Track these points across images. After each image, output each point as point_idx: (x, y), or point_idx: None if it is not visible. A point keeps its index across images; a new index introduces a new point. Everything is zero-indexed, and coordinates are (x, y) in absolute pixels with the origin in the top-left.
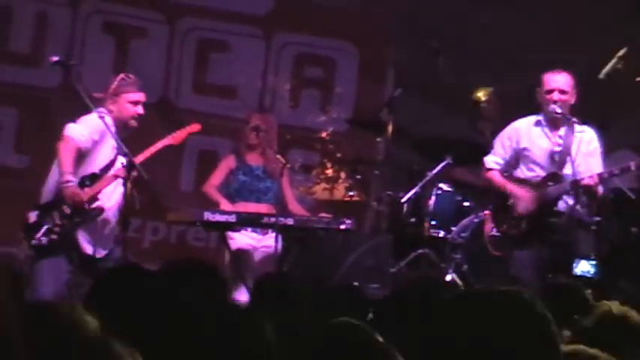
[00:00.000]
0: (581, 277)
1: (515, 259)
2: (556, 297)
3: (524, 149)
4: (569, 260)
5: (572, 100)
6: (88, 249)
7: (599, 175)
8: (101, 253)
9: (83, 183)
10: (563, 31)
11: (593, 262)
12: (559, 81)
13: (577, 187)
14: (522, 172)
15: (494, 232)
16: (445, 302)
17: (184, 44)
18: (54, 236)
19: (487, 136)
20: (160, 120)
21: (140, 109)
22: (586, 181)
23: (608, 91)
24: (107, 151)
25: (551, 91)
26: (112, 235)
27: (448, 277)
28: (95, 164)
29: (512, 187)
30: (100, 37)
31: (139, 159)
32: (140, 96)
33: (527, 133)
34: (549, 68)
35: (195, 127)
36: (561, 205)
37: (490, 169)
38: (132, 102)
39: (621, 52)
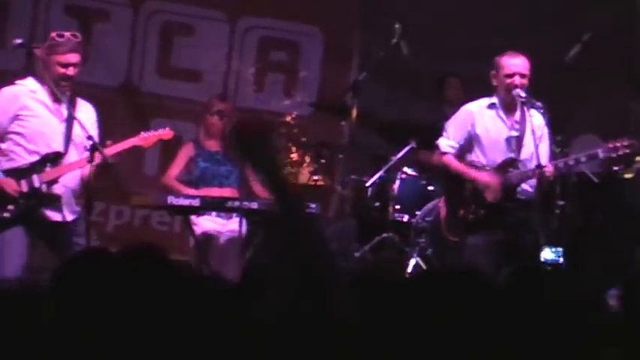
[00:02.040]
0: (546, 264)
1: (468, 244)
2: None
3: (479, 134)
4: (531, 246)
5: (527, 83)
6: (56, 216)
7: (555, 164)
8: (69, 217)
9: (44, 162)
10: (525, 17)
11: (559, 250)
12: (519, 65)
13: (540, 172)
14: (477, 156)
15: (451, 217)
16: (410, 280)
17: (148, 28)
18: (6, 214)
19: None
20: (124, 104)
21: (70, 71)
22: (549, 169)
23: (571, 76)
24: (43, 116)
25: (511, 75)
26: (76, 201)
27: (412, 261)
28: (33, 133)
29: (476, 174)
30: (63, 19)
31: (109, 153)
32: (70, 57)
33: (481, 117)
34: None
35: (167, 134)
36: (519, 190)
37: (445, 153)
38: (61, 64)
39: (585, 38)
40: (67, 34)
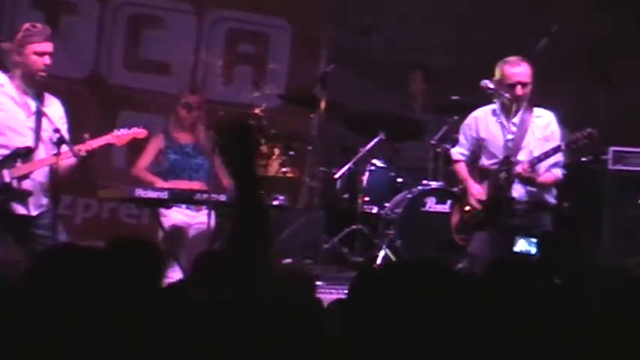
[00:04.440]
0: (521, 254)
1: (474, 237)
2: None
3: (483, 139)
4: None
5: (531, 88)
6: (21, 209)
7: (529, 161)
8: (34, 212)
9: (15, 157)
10: (493, 9)
11: (534, 240)
12: (520, 73)
13: (515, 175)
14: (483, 160)
15: (458, 222)
16: (376, 272)
17: (116, 20)
18: None
19: (417, 113)
20: (92, 96)
21: (47, 60)
22: (517, 169)
23: (540, 68)
24: (11, 110)
25: (513, 86)
26: (43, 194)
27: (382, 253)
28: (5, 128)
29: (470, 185)
30: (30, 12)
31: (80, 151)
32: (46, 46)
33: (484, 123)
34: (481, 46)
35: (141, 134)
36: (522, 192)
37: (457, 161)
38: (37, 53)
39: (553, 30)
40: (40, 25)
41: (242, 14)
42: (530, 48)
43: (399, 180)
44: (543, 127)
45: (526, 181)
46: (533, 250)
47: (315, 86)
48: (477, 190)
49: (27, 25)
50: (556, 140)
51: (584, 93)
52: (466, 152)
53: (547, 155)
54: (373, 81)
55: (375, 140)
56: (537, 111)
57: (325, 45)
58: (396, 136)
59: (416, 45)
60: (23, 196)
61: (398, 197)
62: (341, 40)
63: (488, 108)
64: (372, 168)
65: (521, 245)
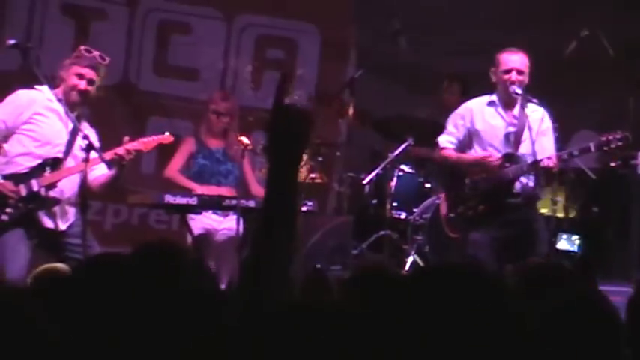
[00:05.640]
0: (564, 252)
1: (471, 239)
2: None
3: (479, 130)
4: (531, 239)
5: (527, 80)
6: (49, 223)
7: (559, 156)
8: (63, 226)
9: (44, 167)
10: (523, 12)
11: (578, 238)
12: (516, 61)
13: (536, 168)
14: (477, 152)
15: (450, 214)
16: (406, 278)
17: (145, 26)
18: (5, 217)
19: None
20: (121, 102)
21: (83, 85)
22: (545, 163)
23: (570, 72)
24: (55, 124)
25: (509, 71)
26: (72, 208)
27: (410, 259)
28: (43, 139)
29: (472, 157)
30: (60, 19)
31: (106, 156)
32: (88, 72)
33: (480, 114)
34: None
35: (167, 139)
36: (517, 186)
37: (444, 149)
38: (77, 74)
39: (582, 34)
40: (96, 53)
41: (270, 19)
42: (558, 52)
43: (428, 185)
44: (539, 121)
45: (550, 175)
46: (575, 249)
47: (344, 91)
48: (487, 155)
49: (83, 48)
50: (550, 135)
51: (614, 97)
52: (455, 141)
53: (571, 155)
54: (401, 85)
55: (404, 146)
56: (531, 106)
57: (353, 50)
58: (425, 141)
59: (443, 48)
60: (51, 205)
61: (426, 203)
62: (367, 44)
63: (483, 99)
64: (401, 173)
65: (563, 244)
